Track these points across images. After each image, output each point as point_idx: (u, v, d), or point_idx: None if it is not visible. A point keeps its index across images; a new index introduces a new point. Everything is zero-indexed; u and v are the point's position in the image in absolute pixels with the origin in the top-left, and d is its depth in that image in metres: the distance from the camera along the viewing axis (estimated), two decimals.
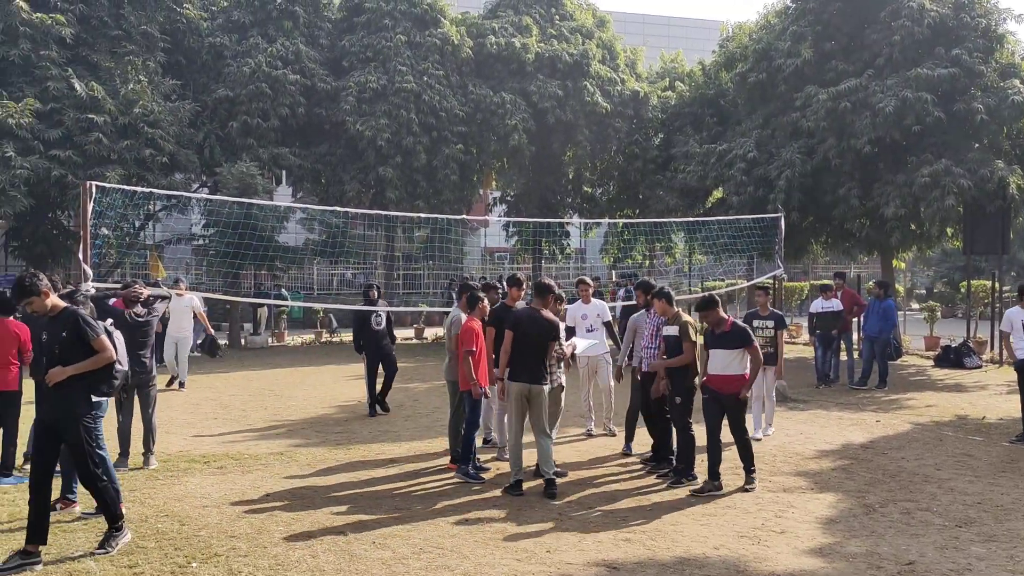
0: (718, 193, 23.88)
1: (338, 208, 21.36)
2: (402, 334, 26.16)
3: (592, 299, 10.58)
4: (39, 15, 20.04)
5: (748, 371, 8.19)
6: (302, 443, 10.32)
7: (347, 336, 25.60)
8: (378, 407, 12.33)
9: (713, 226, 21.00)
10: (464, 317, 8.87)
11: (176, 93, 22.55)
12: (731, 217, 19.82)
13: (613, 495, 7.99)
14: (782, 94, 21.12)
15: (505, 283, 9.66)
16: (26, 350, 8.26)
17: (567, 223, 28.91)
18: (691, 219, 22.64)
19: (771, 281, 17.03)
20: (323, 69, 24.05)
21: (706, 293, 8.69)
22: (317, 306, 26.03)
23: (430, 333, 25.84)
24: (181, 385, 14.84)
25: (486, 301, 9.01)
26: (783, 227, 17.87)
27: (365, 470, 8.90)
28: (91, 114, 19.86)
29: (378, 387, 12.41)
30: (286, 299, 24.90)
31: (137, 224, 23.82)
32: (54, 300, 6.19)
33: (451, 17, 25.90)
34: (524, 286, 9.80)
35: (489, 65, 25.91)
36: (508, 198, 30.59)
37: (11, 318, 8.30)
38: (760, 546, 6.51)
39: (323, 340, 24.82)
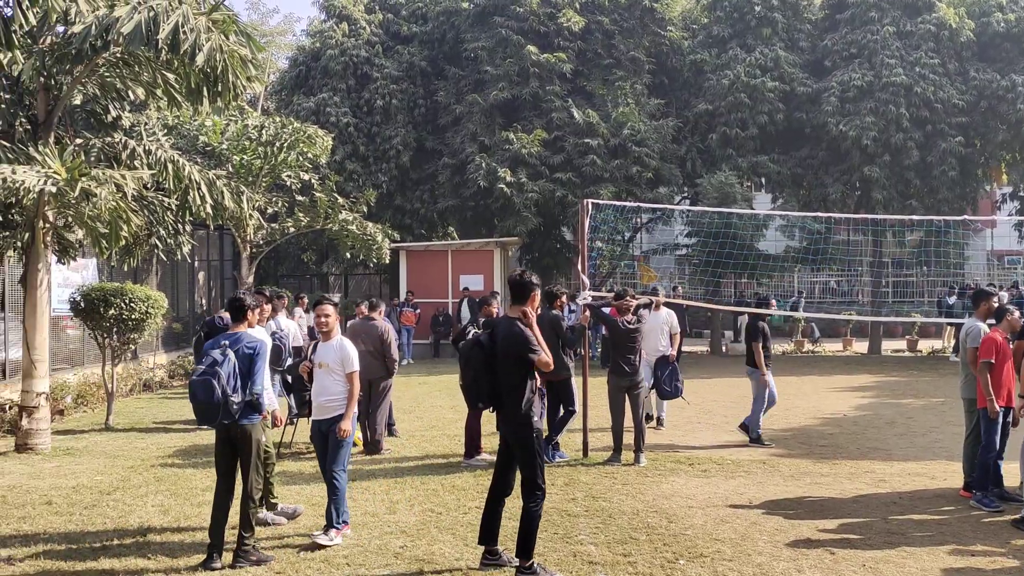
0: None
1: (820, 213, 20.70)
2: (892, 346, 24.49)
3: None
4: (545, 55, 22.66)
5: None
6: (785, 453, 10.21)
7: (831, 346, 24.71)
8: None
9: None
10: (984, 328, 8.01)
11: (660, 111, 23.80)
12: None
13: None
14: None
15: None
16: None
17: None
18: None
19: None
20: (803, 72, 23.51)
21: None
22: (798, 315, 25.46)
23: (924, 345, 23.77)
24: (659, 423, 12.06)
25: (1017, 313, 8.04)
26: None
27: (852, 486, 8.52)
28: (587, 139, 21.91)
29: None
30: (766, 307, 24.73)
31: (626, 236, 25.60)
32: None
33: None
34: None
35: (995, 46, 23.08)
36: (1021, 194, 26.86)
37: None
38: None
39: (804, 350, 24.22)
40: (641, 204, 19.54)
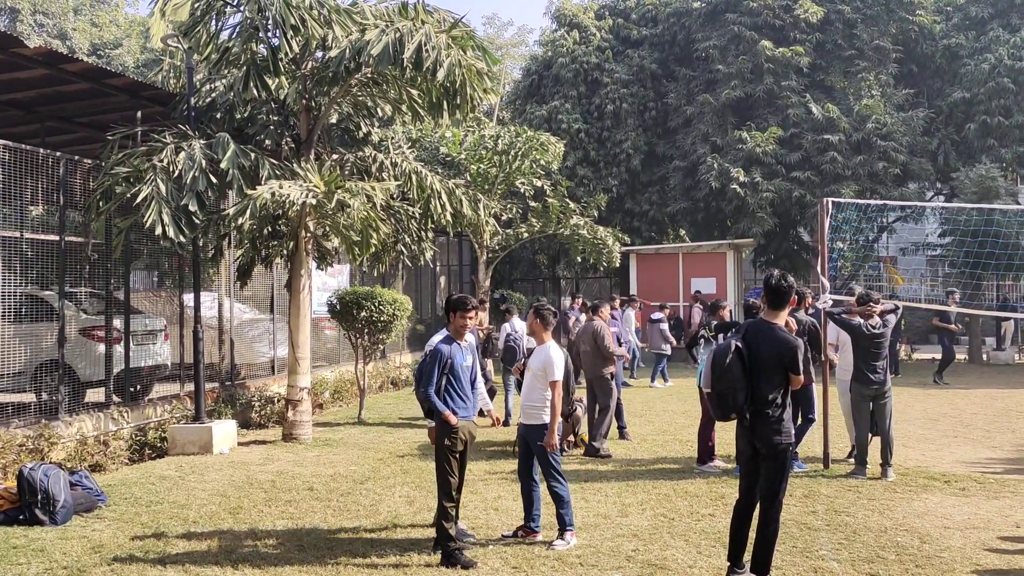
0: None
1: None
2: None
3: None
4: (781, 50, 21.84)
5: None
6: None
7: None
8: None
9: None
10: None
11: (908, 102, 22.26)
12: None
13: None
14: None
15: None
16: None
17: None
18: None
19: None
20: None
21: None
22: None
23: None
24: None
25: None
26: None
27: None
28: (826, 135, 20.87)
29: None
30: None
31: (871, 236, 24.10)
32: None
33: None
34: None
35: None
36: None
37: None
38: None
39: None
40: (887, 202, 18.31)
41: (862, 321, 9.11)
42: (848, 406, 9.54)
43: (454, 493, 6.44)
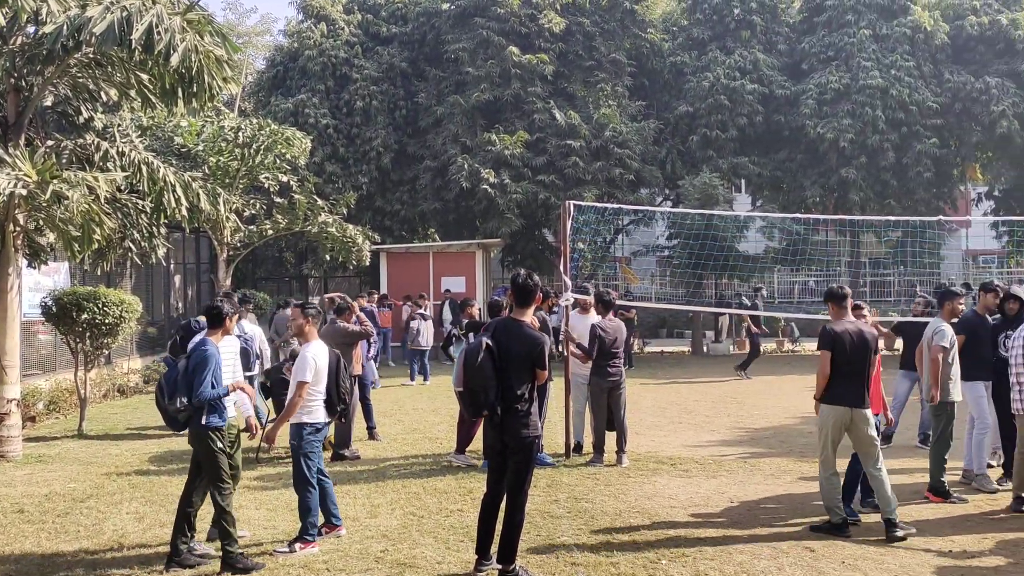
0: None
1: (800, 215, 20.79)
2: None
3: None
4: (527, 56, 22.62)
5: None
6: (766, 452, 10.20)
7: (811, 345, 24.73)
8: None
9: None
10: (949, 329, 8.15)
11: (641, 113, 23.85)
12: None
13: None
14: None
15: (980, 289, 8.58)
16: None
17: None
18: None
19: None
20: (781, 75, 23.66)
21: None
22: (778, 315, 25.55)
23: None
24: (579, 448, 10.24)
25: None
26: None
27: None
28: (569, 140, 21.88)
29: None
30: (747, 308, 24.81)
31: (608, 238, 25.59)
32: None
33: (922, 2, 23.77)
34: (999, 293, 8.63)
35: (969, 48, 23.37)
36: (996, 194, 27.11)
37: None
38: None
39: (785, 349, 24.31)
40: (623, 206, 19.51)
41: (600, 322, 9.61)
42: (582, 400, 10.05)
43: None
